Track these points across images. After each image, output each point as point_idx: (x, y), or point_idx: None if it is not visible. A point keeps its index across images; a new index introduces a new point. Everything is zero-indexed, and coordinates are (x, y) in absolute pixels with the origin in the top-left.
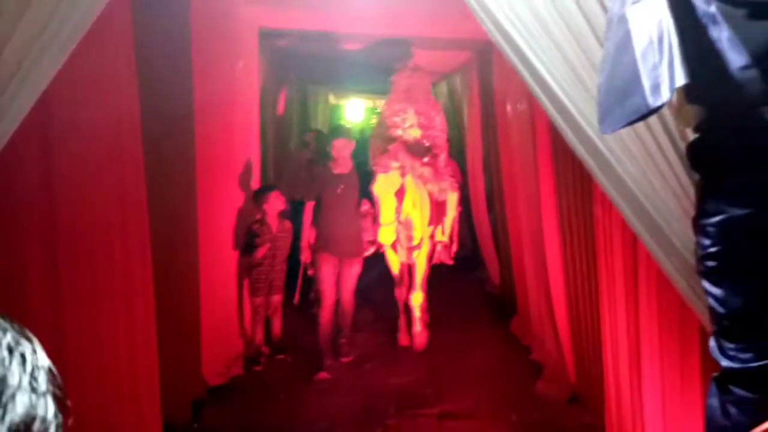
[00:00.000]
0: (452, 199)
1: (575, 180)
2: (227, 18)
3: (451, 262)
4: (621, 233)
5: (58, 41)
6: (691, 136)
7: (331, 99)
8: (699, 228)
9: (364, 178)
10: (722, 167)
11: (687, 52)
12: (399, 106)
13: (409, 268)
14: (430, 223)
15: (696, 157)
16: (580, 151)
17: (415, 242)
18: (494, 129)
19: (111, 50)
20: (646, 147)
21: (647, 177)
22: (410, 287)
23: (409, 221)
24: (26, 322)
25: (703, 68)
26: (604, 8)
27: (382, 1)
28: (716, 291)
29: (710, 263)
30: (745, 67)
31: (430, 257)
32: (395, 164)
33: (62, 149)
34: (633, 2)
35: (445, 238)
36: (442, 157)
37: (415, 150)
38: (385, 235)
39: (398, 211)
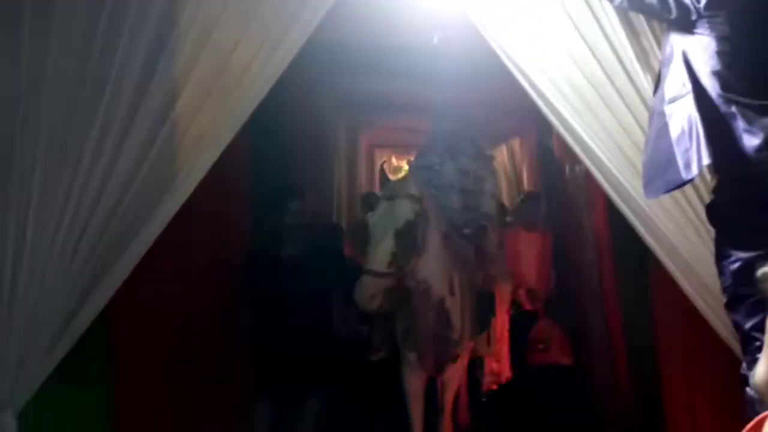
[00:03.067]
0: (503, 293)
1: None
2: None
3: (494, 387)
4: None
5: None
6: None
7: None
8: (719, 269)
9: None
10: (730, 221)
11: (712, 138)
12: (434, 158)
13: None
14: (471, 328)
15: (711, 213)
16: (629, 215)
17: (453, 348)
18: (555, 191)
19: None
20: (682, 207)
21: (683, 231)
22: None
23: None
24: None
25: (726, 149)
26: (643, 101)
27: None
28: (734, 317)
29: (727, 295)
30: (759, 149)
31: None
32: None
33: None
34: (669, 101)
35: (489, 350)
36: (491, 233)
37: (455, 217)
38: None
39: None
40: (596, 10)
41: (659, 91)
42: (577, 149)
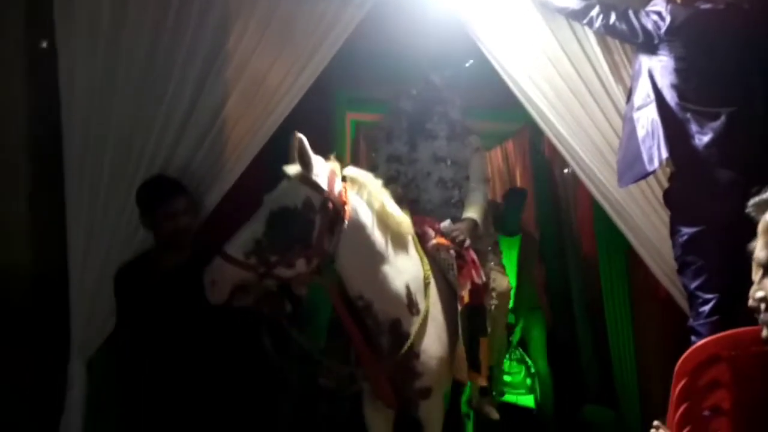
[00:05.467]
0: (500, 307)
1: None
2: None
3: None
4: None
5: None
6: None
7: None
8: (672, 242)
9: None
10: (681, 203)
11: (671, 138)
12: (399, 145)
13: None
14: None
15: (667, 198)
16: (605, 205)
17: (420, 380)
18: (547, 189)
19: None
20: (648, 198)
21: (649, 218)
22: None
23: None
24: None
25: (682, 146)
26: (615, 107)
27: None
28: (683, 280)
29: (678, 263)
30: (707, 146)
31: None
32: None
33: None
34: (637, 109)
35: (478, 378)
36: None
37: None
38: None
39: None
40: (577, 31)
41: (630, 101)
42: (562, 150)
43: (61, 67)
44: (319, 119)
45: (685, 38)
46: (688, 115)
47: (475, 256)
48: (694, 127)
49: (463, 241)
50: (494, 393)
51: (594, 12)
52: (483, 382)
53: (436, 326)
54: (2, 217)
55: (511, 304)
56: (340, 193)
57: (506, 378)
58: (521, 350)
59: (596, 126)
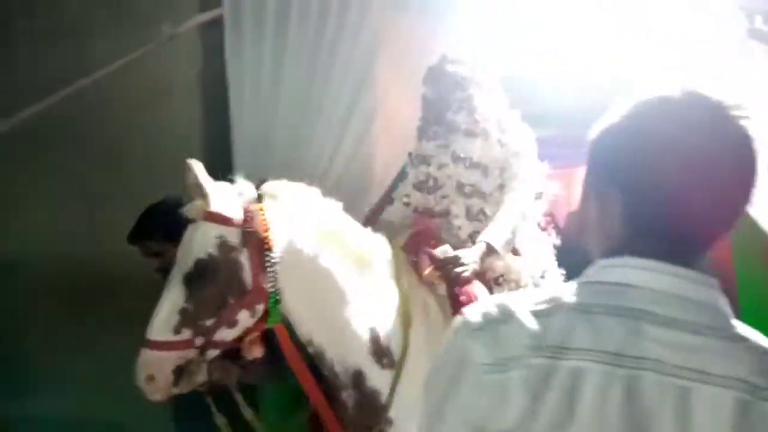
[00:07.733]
0: None
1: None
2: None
3: None
4: None
5: None
6: None
7: None
8: None
9: None
10: None
11: None
12: (428, 145)
13: None
14: None
15: None
16: None
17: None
18: None
19: None
20: None
21: None
22: None
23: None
24: None
25: None
26: None
27: None
28: None
29: None
30: None
31: None
32: None
33: None
34: None
35: None
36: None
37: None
38: None
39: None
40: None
41: None
42: None
43: (230, 79)
44: None
45: None
46: None
47: (477, 294)
48: None
49: (457, 276)
50: None
51: None
52: None
53: (420, 383)
54: None
55: None
56: (260, 219)
57: None
58: None
59: None
